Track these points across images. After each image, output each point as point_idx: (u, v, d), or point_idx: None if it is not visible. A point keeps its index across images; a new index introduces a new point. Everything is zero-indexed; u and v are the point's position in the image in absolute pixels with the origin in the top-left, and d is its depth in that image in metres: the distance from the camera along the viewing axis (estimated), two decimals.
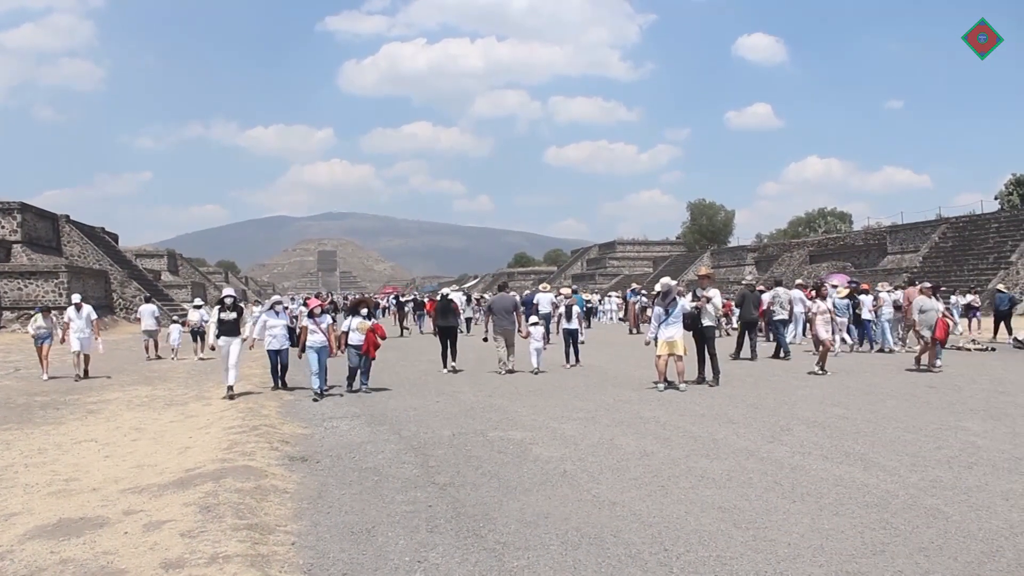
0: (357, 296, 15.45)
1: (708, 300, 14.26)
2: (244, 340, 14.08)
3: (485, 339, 20.40)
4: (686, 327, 13.75)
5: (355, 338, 13.95)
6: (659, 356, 13.28)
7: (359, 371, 14.09)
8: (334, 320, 15.42)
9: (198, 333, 22.70)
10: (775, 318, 19.97)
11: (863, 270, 45.88)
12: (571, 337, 18.53)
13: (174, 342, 23.45)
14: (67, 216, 49.96)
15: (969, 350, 19.98)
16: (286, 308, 15.51)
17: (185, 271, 79.13)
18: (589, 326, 32.21)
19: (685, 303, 13.86)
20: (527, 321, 17.18)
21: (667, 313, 13.28)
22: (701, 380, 13.97)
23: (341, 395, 13.49)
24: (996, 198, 60.02)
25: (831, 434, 9.22)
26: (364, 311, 14.37)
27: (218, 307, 14.14)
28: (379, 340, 14.24)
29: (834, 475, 7.28)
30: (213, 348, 14.31)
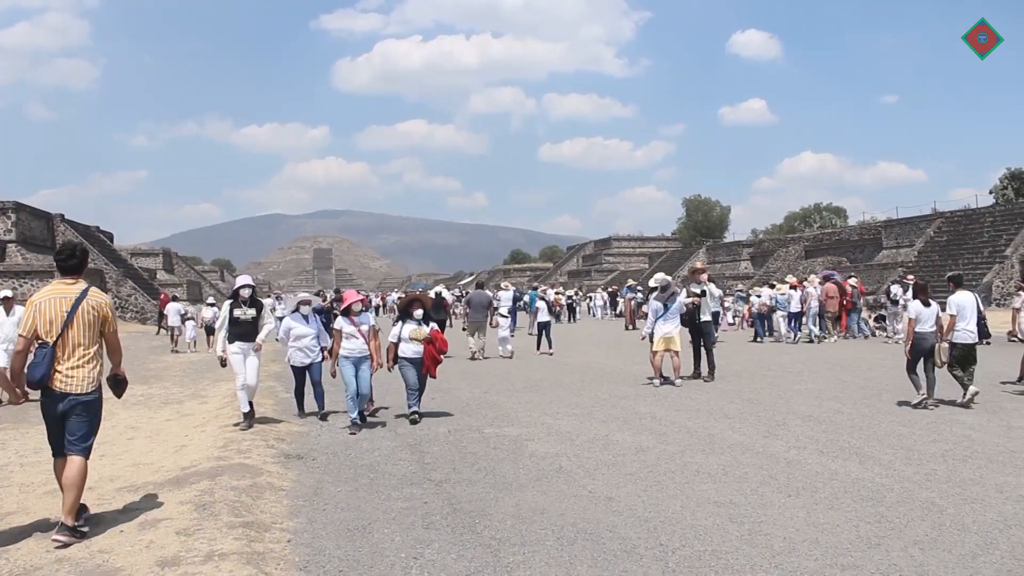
0: (408, 293, 11.80)
1: (703, 294, 14.29)
2: (260, 349, 10.43)
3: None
4: (683, 323, 13.77)
5: (409, 350, 10.57)
6: (655, 352, 13.29)
7: (414, 391, 10.72)
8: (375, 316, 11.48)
9: (212, 329, 24.13)
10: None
11: (858, 265, 45.95)
12: (544, 329, 21.10)
13: (189, 337, 25.90)
14: (62, 215, 49.86)
15: None
16: (318, 310, 12.06)
17: (180, 270, 79.00)
18: (570, 320, 38.15)
19: (682, 298, 13.90)
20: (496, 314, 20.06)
21: (665, 308, 13.28)
22: (697, 375, 13.99)
23: (384, 423, 10.44)
24: (991, 192, 60.14)
25: (826, 428, 9.25)
26: (419, 313, 10.75)
27: (229, 302, 10.44)
28: (440, 355, 10.75)
29: (829, 469, 7.30)
30: (223, 363, 10.43)
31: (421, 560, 5.18)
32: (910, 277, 26.48)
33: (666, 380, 13.25)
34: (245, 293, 10.37)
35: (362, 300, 10.81)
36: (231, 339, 10.18)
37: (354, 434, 9.63)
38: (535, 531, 5.69)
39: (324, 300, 19.45)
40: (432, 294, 21.82)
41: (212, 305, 25.62)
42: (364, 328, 10.29)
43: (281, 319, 13.66)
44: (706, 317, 14.28)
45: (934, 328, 10.79)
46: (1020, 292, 15.86)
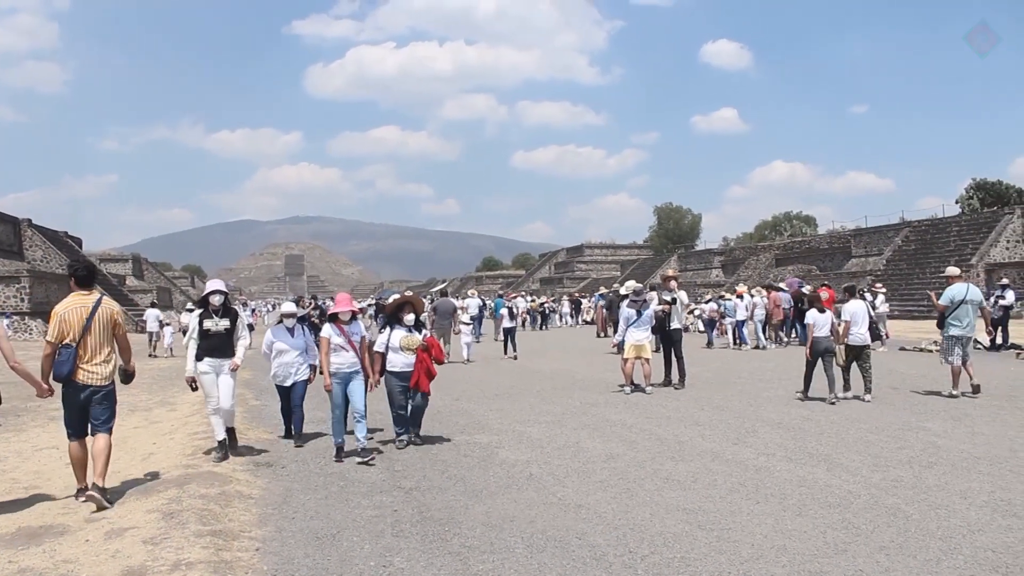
0: (398, 295, 10.33)
1: (674, 302, 14.36)
2: (238, 366, 8.77)
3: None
4: (653, 330, 13.83)
5: (399, 361, 9.21)
6: (626, 359, 13.33)
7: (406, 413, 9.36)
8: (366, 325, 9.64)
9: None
10: None
11: (828, 273, 46.33)
12: (509, 334, 22.31)
13: (167, 342, 26.75)
14: (29, 220, 49.30)
15: (931, 351, 20.25)
16: (305, 319, 10.58)
17: (150, 275, 78.26)
18: (542, 327, 40.09)
19: (654, 306, 13.96)
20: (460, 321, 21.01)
21: (638, 315, 13.32)
22: (667, 383, 14.05)
23: (380, 452, 8.92)
24: (957, 202, 60.89)
25: (795, 435, 9.32)
26: (410, 318, 9.38)
27: (199, 311, 8.87)
28: (435, 367, 9.52)
29: (798, 476, 7.36)
30: (194, 386, 8.75)
31: (390, 568, 5.17)
32: (878, 285, 26.82)
33: (637, 387, 13.30)
34: (216, 300, 8.81)
35: (352, 310, 9.08)
36: (200, 355, 8.62)
37: (340, 461, 8.36)
38: (504, 539, 5.70)
39: (306, 307, 19.43)
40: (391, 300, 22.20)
41: (191, 311, 25.74)
42: (355, 339, 8.89)
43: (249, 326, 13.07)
44: (676, 325, 14.36)
45: (829, 333, 12.30)
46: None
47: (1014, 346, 20.02)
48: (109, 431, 7.06)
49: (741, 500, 6.60)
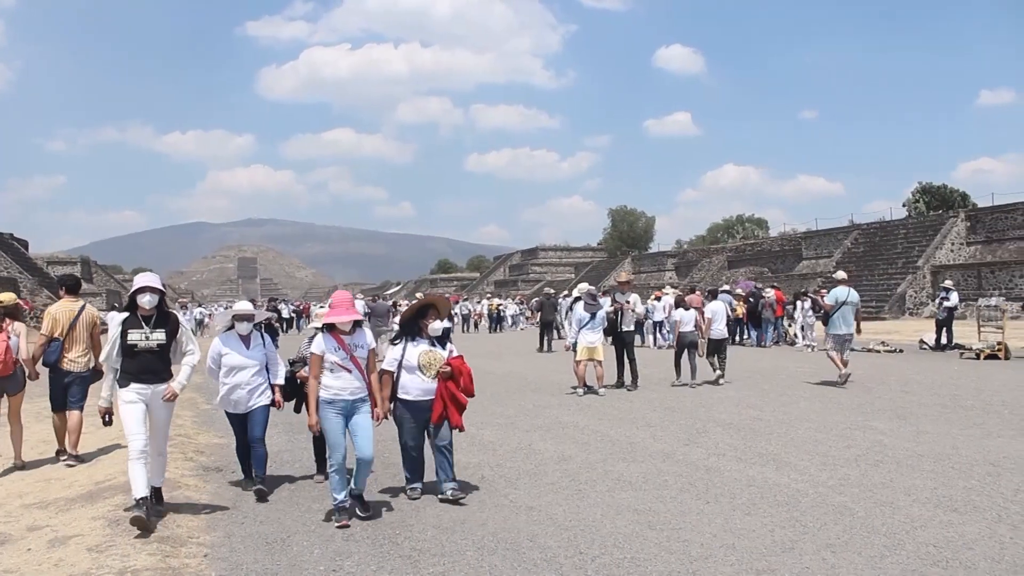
0: (416, 296, 7.99)
1: (627, 304, 14.45)
2: (177, 395, 6.47)
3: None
4: (606, 332, 13.89)
5: (415, 387, 6.86)
6: (579, 361, 13.37)
7: (437, 452, 6.98)
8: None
9: None
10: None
11: (779, 275, 46.95)
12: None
13: None
14: None
15: (879, 352, 20.61)
16: (262, 324, 7.74)
17: (100, 279, 76.98)
18: (497, 329, 41.74)
19: (606, 308, 14.02)
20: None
21: (592, 317, 13.36)
22: (620, 384, 14.13)
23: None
24: (904, 205, 62.06)
25: (745, 435, 9.42)
26: (436, 327, 7.05)
27: (123, 318, 6.40)
28: (464, 397, 7.00)
29: (747, 476, 7.44)
30: (107, 418, 6.57)
31: (340, 572, 5.14)
32: (823, 292, 27.39)
33: (590, 389, 13.33)
34: (146, 303, 6.35)
35: (356, 318, 6.57)
36: (124, 379, 6.33)
37: (345, 526, 6.09)
38: (455, 541, 5.69)
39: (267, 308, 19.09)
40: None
41: (116, 308, 25.19)
42: (361, 355, 6.46)
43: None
44: (628, 327, 14.45)
45: (694, 328, 14.31)
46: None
47: (958, 346, 20.42)
48: (81, 408, 8.78)
49: (691, 500, 6.66)
